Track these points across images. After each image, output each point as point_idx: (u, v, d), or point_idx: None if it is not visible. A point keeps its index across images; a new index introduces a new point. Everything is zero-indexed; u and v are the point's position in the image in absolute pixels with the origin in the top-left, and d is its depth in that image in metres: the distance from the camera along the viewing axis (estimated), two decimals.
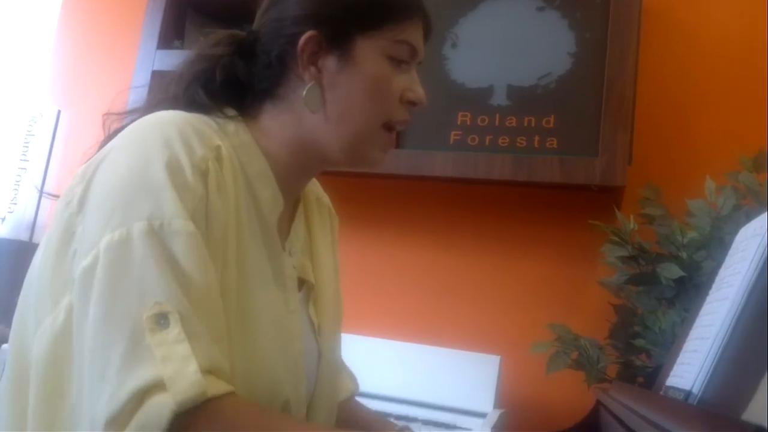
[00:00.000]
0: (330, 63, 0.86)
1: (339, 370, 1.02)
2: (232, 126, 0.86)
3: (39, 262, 0.80)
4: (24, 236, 2.13)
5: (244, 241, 0.80)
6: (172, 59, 2.09)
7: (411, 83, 0.90)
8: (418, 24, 0.90)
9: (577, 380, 1.47)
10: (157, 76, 2.11)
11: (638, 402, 0.73)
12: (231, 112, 0.88)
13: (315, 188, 1.04)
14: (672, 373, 0.78)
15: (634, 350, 1.42)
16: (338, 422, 1.00)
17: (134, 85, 2.13)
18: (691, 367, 0.70)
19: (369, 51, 0.86)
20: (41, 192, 2.15)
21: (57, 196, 0.87)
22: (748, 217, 1.40)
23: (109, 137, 0.84)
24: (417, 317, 1.91)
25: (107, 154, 0.77)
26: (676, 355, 0.80)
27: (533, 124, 1.76)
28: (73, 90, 2.45)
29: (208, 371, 0.66)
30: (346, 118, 0.86)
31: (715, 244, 1.39)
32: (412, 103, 0.90)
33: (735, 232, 1.39)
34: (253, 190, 0.83)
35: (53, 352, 0.74)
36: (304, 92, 0.85)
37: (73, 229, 0.75)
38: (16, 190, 2.14)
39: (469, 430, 1.52)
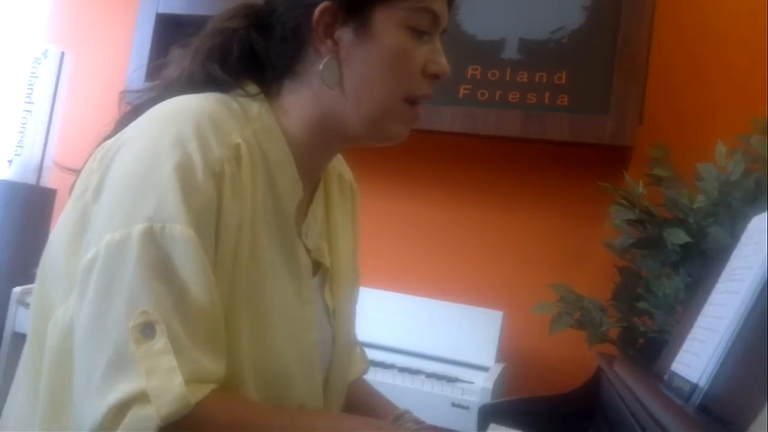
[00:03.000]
0: (347, 35, 0.82)
1: (352, 348, 1.02)
2: (255, 107, 0.83)
3: (55, 245, 0.80)
4: (31, 179, 2.13)
5: (258, 235, 0.79)
6: (177, 2, 2.06)
7: (434, 54, 0.84)
8: None
9: (579, 338, 1.50)
10: (161, 18, 2.07)
11: (643, 391, 0.75)
12: (253, 89, 0.84)
13: (338, 164, 1.00)
14: (677, 359, 0.80)
15: (637, 312, 1.44)
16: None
17: (138, 27, 2.09)
18: (698, 359, 0.72)
19: (388, 21, 0.81)
20: (47, 134, 2.14)
21: (65, 172, 0.85)
22: (757, 184, 1.41)
23: (125, 116, 0.83)
24: (422, 271, 1.93)
25: (123, 144, 0.76)
26: (682, 339, 0.82)
27: (544, 80, 1.74)
28: (75, 31, 2.40)
29: (192, 381, 0.67)
30: (364, 93, 0.82)
31: (722, 209, 1.39)
32: (434, 77, 0.85)
33: (743, 198, 1.39)
34: (272, 179, 0.81)
35: (62, 348, 0.74)
36: (321, 67, 0.81)
37: (88, 217, 0.75)
38: (22, 132, 2.12)
39: (472, 383, 1.56)
